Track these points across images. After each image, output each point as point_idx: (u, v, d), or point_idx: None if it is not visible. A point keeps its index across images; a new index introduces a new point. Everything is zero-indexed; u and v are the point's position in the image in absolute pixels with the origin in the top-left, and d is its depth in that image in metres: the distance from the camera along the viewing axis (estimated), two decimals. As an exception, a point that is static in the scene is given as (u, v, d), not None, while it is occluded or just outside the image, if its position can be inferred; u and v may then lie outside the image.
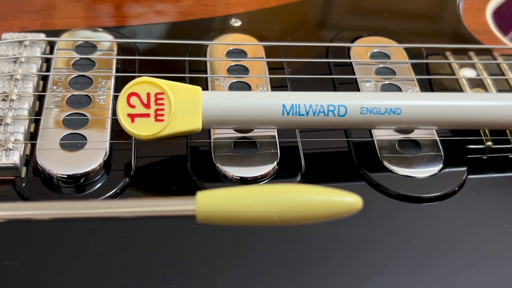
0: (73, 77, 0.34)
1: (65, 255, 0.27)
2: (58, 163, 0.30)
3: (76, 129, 0.31)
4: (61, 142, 0.31)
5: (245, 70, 0.36)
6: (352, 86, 0.36)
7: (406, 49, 0.39)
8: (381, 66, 0.37)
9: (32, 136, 0.31)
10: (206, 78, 0.35)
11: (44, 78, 0.34)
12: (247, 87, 0.35)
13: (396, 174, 0.32)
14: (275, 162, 0.31)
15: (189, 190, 0.30)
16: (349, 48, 0.39)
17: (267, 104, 0.30)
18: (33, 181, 0.30)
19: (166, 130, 0.29)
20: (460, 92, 0.36)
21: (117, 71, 0.35)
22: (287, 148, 0.32)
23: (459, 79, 0.37)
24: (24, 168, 0.30)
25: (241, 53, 0.37)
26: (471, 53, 0.39)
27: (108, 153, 0.30)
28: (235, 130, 0.32)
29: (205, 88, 0.34)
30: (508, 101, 0.32)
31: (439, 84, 0.37)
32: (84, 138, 0.31)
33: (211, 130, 0.32)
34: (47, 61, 0.35)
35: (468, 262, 0.29)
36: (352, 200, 0.23)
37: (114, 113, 0.32)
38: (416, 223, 0.30)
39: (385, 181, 0.31)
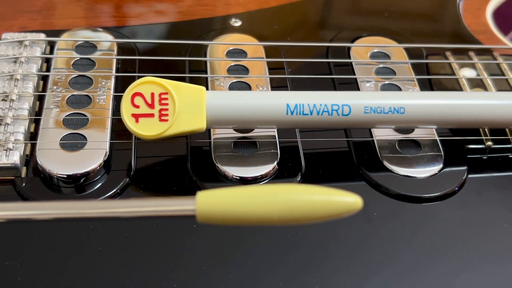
0: (73, 77, 0.34)
1: (65, 255, 0.27)
2: (58, 163, 0.30)
3: (76, 129, 0.31)
4: (61, 142, 0.31)
5: (245, 70, 0.36)
6: (352, 86, 0.36)
7: (406, 49, 0.39)
8: (381, 66, 0.37)
9: (32, 136, 0.31)
10: (206, 78, 0.35)
11: (44, 78, 0.34)
12: (247, 87, 0.35)
13: (396, 174, 0.32)
14: (275, 162, 0.31)
15: (189, 190, 0.30)
16: (349, 48, 0.39)
17: (271, 104, 0.30)
18: (33, 181, 0.30)
19: (171, 130, 0.29)
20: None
21: (117, 71, 0.35)
22: (287, 148, 0.32)
23: (459, 79, 0.37)
24: (24, 168, 0.30)
25: (241, 53, 0.37)
26: (471, 53, 0.39)
27: (108, 153, 0.30)
28: (235, 130, 0.32)
29: (205, 88, 0.34)
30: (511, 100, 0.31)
31: (439, 84, 0.37)
32: (84, 138, 0.31)
33: (211, 130, 0.32)
34: (47, 61, 0.35)
35: (468, 262, 0.29)
36: (352, 200, 0.23)
37: (114, 113, 0.32)
38: (416, 223, 0.30)
39: (385, 181, 0.31)
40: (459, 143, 0.33)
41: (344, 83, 0.36)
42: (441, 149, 0.33)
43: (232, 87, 0.35)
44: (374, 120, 0.30)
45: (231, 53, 0.37)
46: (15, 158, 0.29)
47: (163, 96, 0.29)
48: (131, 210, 0.24)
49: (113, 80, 0.34)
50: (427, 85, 0.37)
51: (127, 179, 0.30)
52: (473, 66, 0.38)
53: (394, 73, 0.37)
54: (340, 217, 0.23)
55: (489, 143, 0.33)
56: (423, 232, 0.30)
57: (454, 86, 0.37)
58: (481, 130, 0.34)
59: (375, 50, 0.38)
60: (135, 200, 0.24)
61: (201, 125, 0.29)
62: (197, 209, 0.23)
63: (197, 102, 0.29)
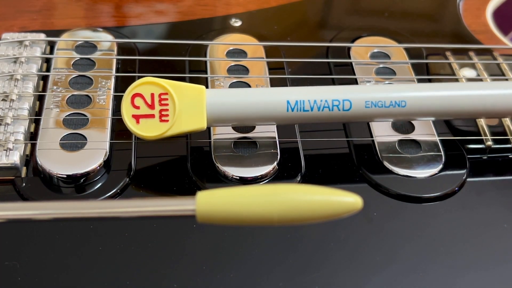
0: (73, 77, 0.34)
1: (65, 255, 0.27)
2: (58, 163, 0.30)
3: (76, 129, 0.31)
4: (61, 142, 0.31)
5: (245, 70, 0.36)
6: (352, 86, 0.36)
7: (406, 49, 0.39)
8: (381, 66, 0.37)
9: (32, 136, 0.31)
10: (206, 78, 0.35)
11: (44, 78, 0.34)
12: (247, 87, 0.35)
13: (396, 174, 0.32)
14: (275, 162, 0.31)
15: (189, 190, 0.30)
16: (349, 48, 0.39)
17: (271, 100, 0.30)
18: (33, 181, 0.30)
19: (172, 130, 0.29)
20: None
21: (117, 71, 0.35)
22: (287, 148, 0.32)
23: (459, 79, 0.37)
24: (24, 168, 0.30)
25: (241, 53, 0.37)
26: (471, 53, 0.39)
27: (108, 153, 0.30)
28: (235, 130, 0.32)
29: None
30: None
31: (439, 84, 0.37)
32: (84, 138, 0.31)
33: (211, 130, 0.32)
34: (47, 61, 0.35)
35: (468, 262, 0.29)
36: (352, 200, 0.23)
37: (114, 113, 0.32)
38: (416, 223, 0.30)
39: (385, 181, 0.31)
40: (459, 143, 0.33)
41: (344, 83, 0.36)
42: (441, 149, 0.33)
43: (232, 87, 0.35)
44: (375, 114, 0.30)
45: (231, 53, 0.37)
46: (15, 158, 0.29)
47: (163, 97, 0.29)
48: (131, 210, 0.24)
49: (113, 80, 0.34)
50: (427, 85, 0.37)
51: (127, 179, 0.30)
52: (473, 66, 0.38)
53: (394, 73, 0.37)
54: (340, 217, 0.23)
55: (489, 143, 0.33)
56: (423, 232, 0.30)
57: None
58: (481, 130, 0.34)
59: (375, 50, 0.38)
60: (135, 200, 0.24)
61: (202, 124, 0.29)
62: (197, 209, 0.23)
63: (197, 101, 0.29)
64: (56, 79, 0.34)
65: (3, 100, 0.32)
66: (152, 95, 0.29)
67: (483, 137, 0.34)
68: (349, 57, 0.38)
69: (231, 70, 0.36)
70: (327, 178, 0.32)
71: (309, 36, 0.40)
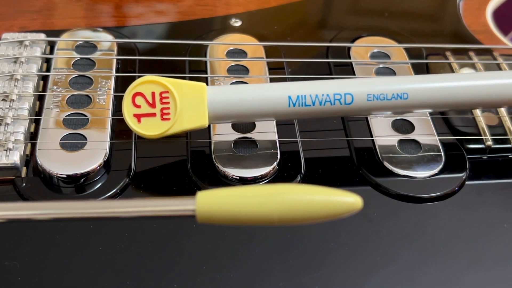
0: (73, 77, 0.34)
1: (65, 255, 0.27)
2: (58, 163, 0.30)
3: (76, 129, 0.31)
4: (61, 142, 0.31)
5: (245, 70, 0.36)
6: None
7: (406, 49, 0.39)
8: (381, 66, 0.37)
9: (32, 136, 0.31)
10: (206, 78, 0.35)
11: (44, 78, 0.34)
12: (247, 87, 0.35)
13: (396, 174, 0.32)
14: (275, 162, 0.31)
15: (189, 190, 0.30)
16: (349, 48, 0.39)
17: (272, 96, 0.30)
18: (33, 181, 0.30)
19: (173, 129, 0.29)
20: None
21: (117, 71, 0.35)
22: (287, 148, 0.32)
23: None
24: (24, 168, 0.30)
25: (241, 53, 0.37)
26: (471, 53, 0.39)
27: (108, 153, 0.30)
28: (235, 130, 0.32)
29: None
30: None
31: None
32: (84, 138, 0.31)
33: (212, 130, 0.32)
34: (47, 61, 0.35)
35: (468, 262, 0.29)
36: (352, 200, 0.23)
37: (114, 113, 0.32)
38: (416, 223, 0.30)
39: (385, 181, 0.31)
40: (459, 143, 0.33)
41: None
42: (441, 149, 0.33)
43: (232, 87, 0.35)
44: (377, 107, 0.30)
45: (231, 53, 0.37)
46: (15, 158, 0.29)
47: (164, 95, 0.29)
48: (131, 210, 0.24)
49: (113, 80, 0.34)
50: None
51: (127, 179, 0.30)
52: (473, 66, 0.38)
53: (394, 73, 0.37)
54: (340, 217, 0.23)
55: (489, 143, 0.33)
56: (423, 232, 0.30)
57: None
58: (481, 130, 0.34)
59: (375, 50, 0.38)
60: (135, 200, 0.24)
61: (204, 121, 0.29)
62: (197, 209, 0.23)
63: (198, 99, 0.29)
64: (56, 79, 0.34)
65: (3, 100, 0.32)
66: (153, 93, 0.29)
67: (483, 137, 0.34)
68: (349, 57, 0.38)
69: (231, 70, 0.36)
70: (327, 178, 0.32)
71: (309, 36, 0.40)
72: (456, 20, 0.43)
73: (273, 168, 0.31)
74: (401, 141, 0.33)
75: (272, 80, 0.35)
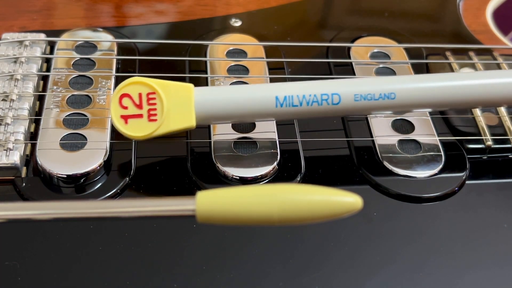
0: (73, 77, 0.34)
1: (65, 255, 0.27)
2: (58, 163, 0.30)
3: (76, 129, 0.31)
4: (61, 142, 0.31)
5: (245, 70, 0.36)
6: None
7: (406, 49, 0.39)
8: (381, 66, 0.37)
9: (32, 136, 0.31)
10: (206, 78, 0.35)
11: (44, 78, 0.34)
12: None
13: (396, 174, 0.32)
14: (275, 162, 0.31)
15: (189, 190, 0.30)
16: (349, 48, 0.39)
17: (259, 97, 0.29)
18: (33, 181, 0.30)
19: (160, 130, 0.28)
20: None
21: (117, 71, 0.35)
22: (287, 148, 0.32)
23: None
24: (24, 168, 0.30)
25: (241, 53, 0.37)
26: (471, 53, 0.39)
27: (108, 153, 0.30)
28: (235, 130, 0.32)
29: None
30: (503, 78, 0.31)
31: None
32: (84, 138, 0.31)
33: (211, 130, 0.32)
34: (47, 61, 0.35)
35: (468, 262, 0.29)
36: (352, 200, 0.23)
37: (114, 113, 0.32)
38: (416, 223, 0.30)
39: (385, 181, 0.31)
40: (459, 143, 0.33)
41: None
42: (441, 149, 0.33)
43: (232, 87, 0.35)
44: (365, 107, 0.30)
45: (231, 53, 0.37)
46: (15, 158, 0.29)
47: (150, 96, 0.28)
48: (131, 210, 0.24)
49: (113, 80, 0.34)
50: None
51: (127, 179, 0.30)
52: (473, 66, 0.38)
53: (394, 73, 0.37)
54: (340, 217, 0.23)
55: (489, 143, 0.33)
56: (423, 232, 0.30)
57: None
58: (481, 130, 0.34)
59: (375, 50, 0.38)
60: (135, 200, 0.24)
61: (191, 122, 0.29)
62: (197, 209, 0.23)
63: (185, 99, 0.29)
64: (56, 79, 0.34)
65: (3, 100, 0.32)
66: (140, 94, 0.28)
67: (483, 137, 0.34)
68: (349, 57, 0.38)
69: (231, 70, 0.36)
70: (327, 178, 0.32)
71: (309, 36, 0.40)
72: (456, 20, 0.43)
73: (273, 168, 0.31)
74: (401, 141, 0.33)
75: (272, 80, 0.35)
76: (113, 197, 0.30)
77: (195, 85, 0.29)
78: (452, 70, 0.37)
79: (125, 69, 0.36)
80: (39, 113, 0.32)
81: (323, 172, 0.32)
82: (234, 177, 0.31)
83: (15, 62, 0.34)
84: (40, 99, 0.33)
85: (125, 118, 0.28)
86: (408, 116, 0.34)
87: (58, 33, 0.37)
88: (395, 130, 0.33)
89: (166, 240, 0.28)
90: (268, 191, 0.23)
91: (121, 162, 0.31)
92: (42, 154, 0.30)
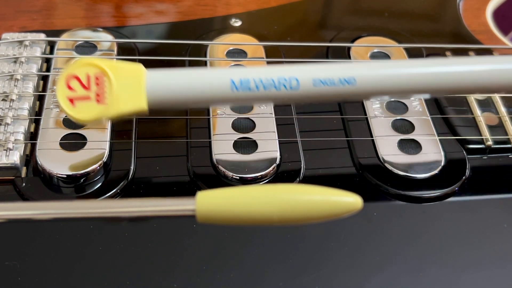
0: (73, 77, 0.34)
1: (65, 255, 0.27)
2: (58, 163, 0.30)
3: (76, 129, 0.31)
4: (61, 142, 0.31)
5: (245, 70, 0.36)
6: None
7: (406, 49, 0.39)
8: (381, 66, 0.37)
9: (32, 136, 0.31)
10: (206, 78, 0.35)
11: (44, 78, 0.34)
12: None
13: (396, 174, 0.32)
14: (275, 162, 0.31)
15: (189, 190, 0.30)
16: (349, 48, 0.39)
17: (215, 80, 0.28)
18: (33, 181, 0.30)
19: (109, 112, 0.27)
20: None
21: (117, 71, 0.35)
22: (287, 148, 0.32)
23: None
24: (24, 168, 0.30)
25: (241, 53, 0.37)
26: (471, 53, 0.39)
27: (108, 153, 0.30)
28: (235, 130, 0.32)
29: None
30: (465, 65, 0.29)
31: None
32: (84, 138, 0.31)
33: (211, 130, 0.32)
34: (47, 61, 0.35)
35: (468, 262, 0.29)
36: (352, 200, 0.23)
37: (114, 113, 0.32)
38: (416, 223, 0.30)
39: (385, 181, 0.31)
40: (459, 143, 0.33)
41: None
42: (441, 149, 0.33)
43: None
44: (325, 93, 0.28)
45: (231, 53, 0.37)
46: (15, 158, 0.29)
47: (99, 77, 0.27)
48: (131, 210, 0.24)
49: (113, 80, 0.34)
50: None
51: (127, 179, 0.30)
52: (473, 66, 0.38)
53: (394, 73, 0.37)
54: (340, 217, 0.23)
55: (489, 143, 0.33)
56: (423, 232, 0.30)
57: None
58: (481, 130, 0.34)
59: (375, 50, 0.38)
60: (135, 200, 0.24)
61: (142, 105, 0.27)
62: (197, 209, 0.23)
63: (136, 82, 0.27)
64: (56, 79, 0.34)
65: (3, 100, 0.32)
66: (88, 76, 0.27)
67: (483, 137, 0.34)
68: (349, 57, 0.38)
69: (231, 70, 0.36)
70: (327, 178, 0.32)
71: (309, 36, 0.40)
72: (456, 20, 0.43)
73: (273, 168, 0.31)
74: (401, 141, 0.33)
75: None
76: (113, 197, 0.30)
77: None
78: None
79: (125, 69, 0.36)
80: (39, 113, 0.32)
81: (323, 172, 0.32)
82: (234, 177, 0.31)
83: (15, 62, 0.34)
84: (40, 99, 0.33)
85: (72, 100, 0.27)
86: (408, 116, 0.34)
87: (58, 33, 0.37)
88: (395, 130, 0.33)
89: (166, 240, 0.28)
90: (268, 191, 0.23)
91: (121, 162, 0.31)
92: (42, 154, 0.30)
